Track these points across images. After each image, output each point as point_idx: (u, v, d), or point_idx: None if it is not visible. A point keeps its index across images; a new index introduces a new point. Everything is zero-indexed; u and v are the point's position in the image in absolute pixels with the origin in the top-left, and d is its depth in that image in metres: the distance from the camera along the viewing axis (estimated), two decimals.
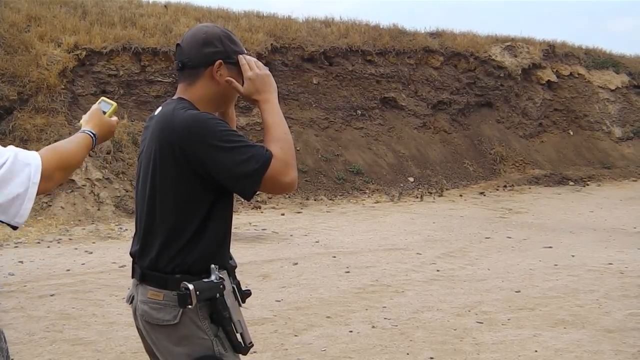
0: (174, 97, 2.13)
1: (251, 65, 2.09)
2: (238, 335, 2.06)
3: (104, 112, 2.23)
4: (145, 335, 2.12)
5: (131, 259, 2.17)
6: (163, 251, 2.02)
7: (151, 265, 2.05)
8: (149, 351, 2.18)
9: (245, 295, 2.14)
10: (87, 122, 2.14)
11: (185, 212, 2.00)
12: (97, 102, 2.27)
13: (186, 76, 2.11)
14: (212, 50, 2.08)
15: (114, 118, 2.25)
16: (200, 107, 2.07)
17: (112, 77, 13.64)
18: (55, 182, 1.86)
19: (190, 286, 1.95)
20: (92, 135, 2.08)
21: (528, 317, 5.48)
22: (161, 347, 2.07)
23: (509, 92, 18.76)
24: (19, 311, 5.54)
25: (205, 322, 2.01)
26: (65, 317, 5.40)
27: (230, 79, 2.07)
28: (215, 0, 45.18)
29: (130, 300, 2.17)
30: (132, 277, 2.15)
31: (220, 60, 2.08)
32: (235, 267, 2.18)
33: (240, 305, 2.10)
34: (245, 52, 2.16)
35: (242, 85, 2.09)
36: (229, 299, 2.04)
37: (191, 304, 1.95)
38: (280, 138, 2.00)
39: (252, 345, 2.09)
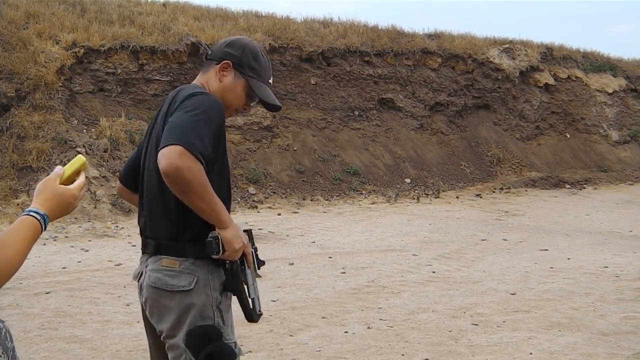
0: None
1: None
2: (250, 301, 2.14)
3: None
4: (148, 307, 2.16)
5: (140, 236, 2.25)
6: (179, 220, 2.09)
7: (169, 235, 2.12)
8: (151, 331, 2.23)
9: (260, 263, 2.23)
10: (37, 195, 1.58)
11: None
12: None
13: (204, 65, 2.30)
14: (228, 51, 2.24)
15: (80, 179, 1.64)
16: None
17: (110, 75, 13.61)
18: None
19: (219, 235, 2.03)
20: (39, 218, 1.52)
21: (523, 320, 5.49)
22: (165, 315, 2.11)
23: (507, 95, 18.76)
24: (15, 308, 5.53)
25: (215, 294, 2.10)
26: (61, 315, 5.40)
27: None
28: None
29: (138, 277, 2.22)
30: (144, 252, 2.22)
31: (229, 62, 2.21)
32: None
33: (256, 270, 2.19)
34: (271, 78, 2.27)
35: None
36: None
37: (219, 253, 2.02)
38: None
39: (262, 314, 2.18)
